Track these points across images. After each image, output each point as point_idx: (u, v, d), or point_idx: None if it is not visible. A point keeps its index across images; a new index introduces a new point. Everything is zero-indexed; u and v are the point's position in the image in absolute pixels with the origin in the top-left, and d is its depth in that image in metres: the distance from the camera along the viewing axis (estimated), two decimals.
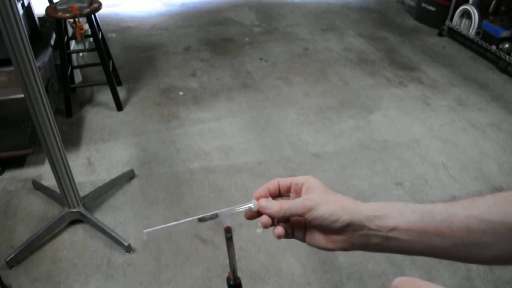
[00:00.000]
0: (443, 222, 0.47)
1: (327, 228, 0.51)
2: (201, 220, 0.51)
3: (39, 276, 1.72)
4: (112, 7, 4.50)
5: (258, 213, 0.54)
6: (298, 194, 0.54)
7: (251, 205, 0.53)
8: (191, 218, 0.51)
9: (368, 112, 2.78)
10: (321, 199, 0.50)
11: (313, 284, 1.70)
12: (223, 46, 3.65)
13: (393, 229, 0.48)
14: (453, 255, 0.48)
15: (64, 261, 1.78)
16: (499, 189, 2.17)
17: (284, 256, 1.80)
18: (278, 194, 0.56)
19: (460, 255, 0.48)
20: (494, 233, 0.46)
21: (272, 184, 0.56)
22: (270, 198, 0.55)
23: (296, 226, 0.55)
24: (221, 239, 1.86)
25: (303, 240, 0.55)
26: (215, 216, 0.52)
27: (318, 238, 0.53)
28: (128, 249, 1.81)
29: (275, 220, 0.54)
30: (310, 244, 0.54)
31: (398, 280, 0.42)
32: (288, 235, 0.55)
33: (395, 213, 0.49)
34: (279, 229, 0.53)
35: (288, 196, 0.56)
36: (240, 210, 0.53)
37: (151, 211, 2.02)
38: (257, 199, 0.54)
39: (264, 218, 0.53)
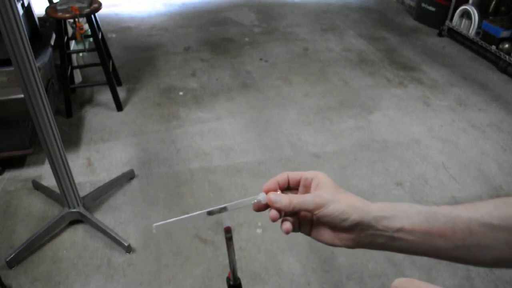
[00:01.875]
0: (446, 224, 0.48)
1: (336, 226, 0.51)
2: (210, 213, 0.51)
3: (39, 276, 1.72)
4: (112, 7, 4.50)
5: (267, 206, 0.54)
6: (307, 188, 0.55)
7: (260, 197, 0.53)
8: (200, 212, 0.51)
9: (368, 112, 2.78)
10: (332, 197, 0.51)
11: (313, 284, 1.70)
12: (223, 46, 3.65)
13: (399, 229, 0.49)
14: (454, 256, 0.49)
15: (64, 261, 1.78)
16: (499, 189, 2.17)
17: (284, 256, 1.80)
18: (287, 187, 0.56)
19: (460, 256, 0.49)
20: (494, 236, 0.47)
21: (281, 177, 0.56)
22: (279, 191, 0.55)
23: (303, 221, 0.55)
24: (221, 239, 1.86)
25: (309, 234, 0.55)
26: (224, 210, 0.52)
27: (325, 234, 0.53)
28: (128, 249, 1.81)
29: (282, 213, 0.54)
30: (316, 239, 0.55)
31: (397, 282, 0.43)
32: (294, 229, 0.55)
33: (401, 214, 0.50)
34: (287, 225, 0.53)
35: (297, 190, 0.57)
36: (248, 204, 0.53)
37: (151, 211, 2.02)
38: (266, 192, 0.54)
39: (273, 212, 0.53)
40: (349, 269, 1.75)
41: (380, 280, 1.71)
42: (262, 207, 0.54)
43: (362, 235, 0.51)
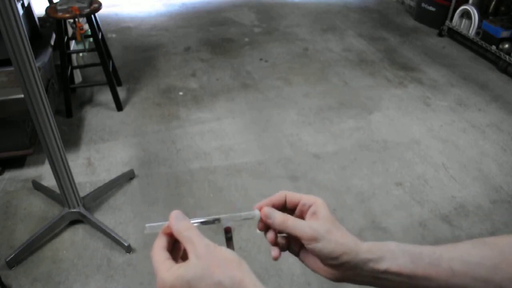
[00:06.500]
0: (431, 264, 0.49)
1: (323, 261, 0.51)
2: (203, 223, 0.52)
3: (39, 276, 1.72)
4: (112, 7, 4.50)
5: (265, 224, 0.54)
6: (303, 214, 0.54)
7: (255, 213, 0.53)
8: (194, 221, 0.50)
9: (368, 112, 2.78)
10: (324, 233, 0.50)
11: (313, 284, 1.70)
12: (223, 47, 3.65)
13: (384, 271, 0.50)
14: None
15: (64, 261, 1.78)
16: (499, 189, 2.17)
17: (284, 256, 1.80)
18: (283, 208, 0.55)
19: None
20: (474, 275, 0.49)
21: (279, 196, 0.55)
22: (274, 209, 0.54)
23: (295, 242, 0.55)
24: (221, 239, 1.85)
25: (297, 255, 0.55)
26: (218, 221, 0.52)
27: (311, 261, 0.54)
28: (128, 249, 1.81)
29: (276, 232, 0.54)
30: (302, 261, 0.55)
31: None
32: (283, 248, 0.56)
33: (388, 255, 0.50)
34: (276, 252, 0.54)
35: (293, 212, 0.56)
36: (242, 218, 0.53)
37: (151, 211, 2.02)
38: (259, 209, 0.53)
39: (270, 235, 0.54)
40: None
41: None
42: (263, 226, 0.54)
43: (346, 273, 0.51)
